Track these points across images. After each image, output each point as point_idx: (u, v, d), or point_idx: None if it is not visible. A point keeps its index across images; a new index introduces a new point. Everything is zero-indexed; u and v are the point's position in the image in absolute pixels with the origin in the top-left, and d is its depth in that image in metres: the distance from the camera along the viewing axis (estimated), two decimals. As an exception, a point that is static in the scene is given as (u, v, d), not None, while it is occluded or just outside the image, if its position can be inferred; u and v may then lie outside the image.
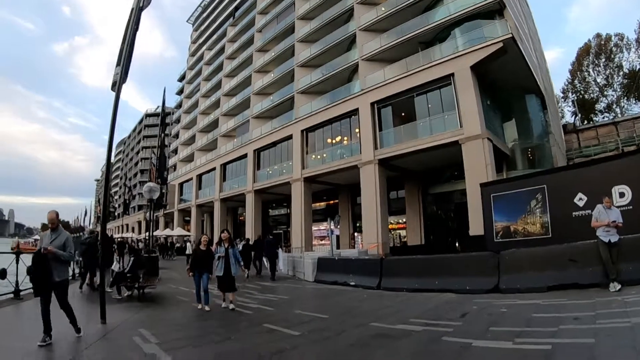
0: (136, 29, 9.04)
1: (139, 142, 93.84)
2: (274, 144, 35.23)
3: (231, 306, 9.31)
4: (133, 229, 74.03)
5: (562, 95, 51.64)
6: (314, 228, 31.56)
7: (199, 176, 49.01)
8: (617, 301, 7.02)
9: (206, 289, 9.40)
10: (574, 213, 12.18)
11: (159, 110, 25.60)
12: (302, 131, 31.18)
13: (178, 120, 66.28)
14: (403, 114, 24.91)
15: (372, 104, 25.43)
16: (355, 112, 26.84)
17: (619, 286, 7.92)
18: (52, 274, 6.11)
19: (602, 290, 8.04)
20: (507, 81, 23.63)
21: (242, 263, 10.22)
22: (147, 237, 20.01)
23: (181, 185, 54.94)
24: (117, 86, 8.53)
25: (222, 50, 52.62)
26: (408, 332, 6.46)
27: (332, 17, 31.97)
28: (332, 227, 22.27)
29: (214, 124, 49.66)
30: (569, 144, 35.69)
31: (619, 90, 47.38)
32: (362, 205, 25.43)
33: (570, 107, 50.38)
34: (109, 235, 17.56)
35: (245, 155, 38.68)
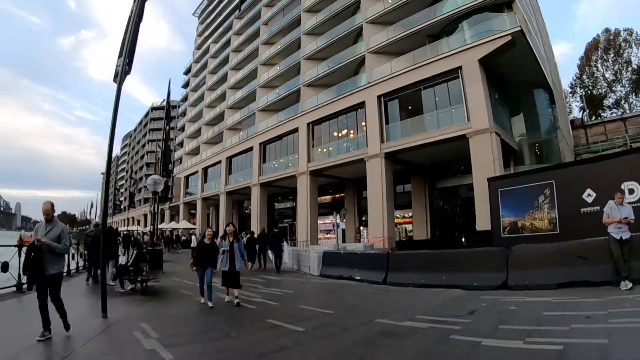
0: (139, 20, 8.90)
1: (145, 135, 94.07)
2: (279, 137, 35.12)
3: (236, 301, 9.10)
4: (139, 221, 74.30)
5: (570, 90, 51.13)
6: (319, 222, 31.50)
7: (205, 169, 49.06)
8: (629, 300, 6.88)
9: (209, 283, 9.21)
10: (582, 209, 12.06)
11: (165, 103, 25.56)
12: (308, 124, 31.04)
13: (184, 114, 66.27)
14: (410, 108, 24.70)
15: (379, 97, 25.24)
16: (361, 105, 26.66)
17: (630, 284, 7.76)
18: (46, 267, 5.93)
19: (613, 289, 7.89)
20: (515, 75, 23.37)
21: (245, 258, 10.06)
22: (152, 230, 19.96)
23: (187, 178, 54.99)
24: (119, 77, 8.42)
25: (227, 43, 52.41)
26: (415, 329, 6.33)
27: (339, 10, 31.70)
28: (337, 220, 22.12)
29: (220, 117, 49.61)
30: (577, 140, 35.36)
31: (627, 86, 46.77)
32: (368, 199, 25.37)
33: (578, 102, 49.85)
34: (114, 228, 17.55)
35: (251, 149, 38.61)
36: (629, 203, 9.38)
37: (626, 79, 46.59)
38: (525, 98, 25.53)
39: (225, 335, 6.58)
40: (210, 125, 52.22)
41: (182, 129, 65.23)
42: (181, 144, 63.25)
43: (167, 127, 24.71)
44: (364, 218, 30.59)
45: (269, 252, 19.88)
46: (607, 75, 48.18)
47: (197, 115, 58.68)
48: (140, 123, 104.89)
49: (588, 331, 5.36)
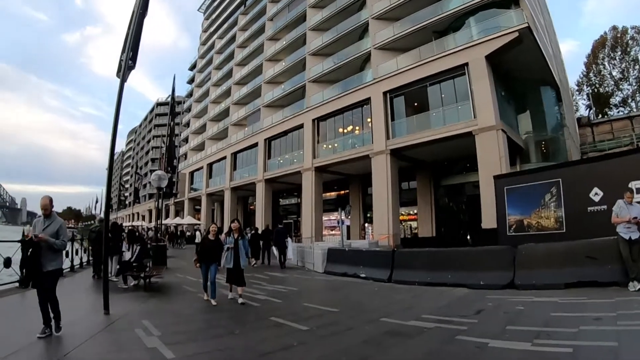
0: (143, 14, 8.82)
1: (150, 130, 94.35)
2: (285, 133, 35.10)
3: (240, 300, 8.97)
4: (143, 217, 74.56)
5: (576, 88, 50.85)
6: (324, 218, 31.52)
7: (210, 165, 49.11)
8: (637, 301, 6.76)
9: (213, 280, 9.07)
10: (589, 208, 11.90)
11: (170, 99, 25.58)
12: (313, 120, 31.01)
13: (189, 109, 66.38)
14: (416, 104, 24.61)
15: (385, 94, 25.14)
16: (367, 101, 26.57)
17: (639, 285, 7.65)
18: (43, 263, 5.80)
19: (622, 290, 7.79)
20: (521, 72, 23.20)
21: (249, 255, 9.92)
22: (156, 226, 19.99)
23: (192, 174, 55.13)
24: (122, 72, 8.36)
25: (233, 38, 52.30)
26: (420, 329, 6.25)
27: (344, 5, 31.58)
28: (342, 217, 22.08)
29: (225, 113, 49.57)
30: (583, 138, 35.12)
31: (634, 84, 46.50)
32: (373, 195, 25.32)
33: (584, 100, 49.62)
34: (119, 223, 17.52)
35: (256, 144, 38.64)
36: (637, 202, 9.29)
37: (633, 77, 46.34)
38: (532, 95, 25.39)
39: (228, 333, 6.50)
40: (216, 121, 52.24)
41: (187, 124, 65.31)
42: (186, 140, 63.35)
43: (172, 123, 24.69)
44: (368, 215, 30.59)
45: (273, 248, 19.84)
46: (614, 73, 47.95)
47: (202, 111, 58.69)
48: (145, 119, 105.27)
49: (597, 333, 5.25)
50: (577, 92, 50.63)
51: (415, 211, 28.58)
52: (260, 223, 31.52)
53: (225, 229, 9.82)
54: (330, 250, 16.81)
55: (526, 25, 19.43)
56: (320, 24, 33.85)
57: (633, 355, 4.49)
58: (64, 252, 6.86)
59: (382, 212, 23.91)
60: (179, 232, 40.54)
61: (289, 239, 20.05)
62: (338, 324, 6.90)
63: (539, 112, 25.42)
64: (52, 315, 5.89)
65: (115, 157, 9.24)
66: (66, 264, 14.41)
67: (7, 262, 9.30)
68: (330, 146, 30.03)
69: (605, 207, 11.14)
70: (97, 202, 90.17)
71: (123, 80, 8.37)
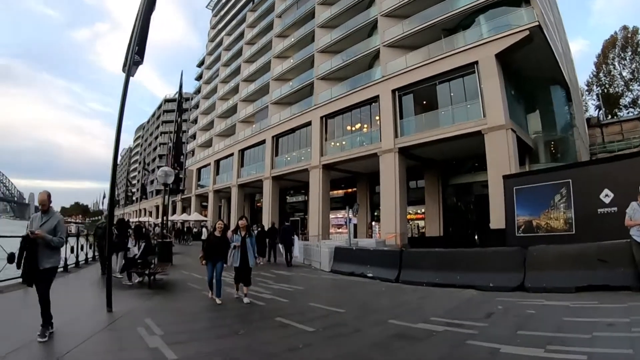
0: (150, 8, 8.75)
1: (157, 127, 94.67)
2: (292, 130, 35.05)
3: (246, 300, 8.85)
4: (150, 213, 74.83)
5: (586, 88, 50.38)
6: (331, 216, 31.45)
7: (217, 162, 49.19)
8: (651, 307, 6.63)
9: (219, 278, 8.96)
10: (599, 210, 11.78)
11: (177, 95, 25.57)
12: (321, 118, 30.93)
13: (197, 106, 66.44)
14: (424, 102, 24.46)
15: (393, 91, 24.98)
16: (375, 99, 26.43)
17: (652, 290, 7.53)
18: (40, 261, 5.63)
19: (634, 294, 7.63)
20: (531, 71, 22.96)
21: (256, 254, 9.75)
22: (162, 222, 19.98)
23: (199, 170, 55.23)
24: (127, 67, 8.32)
25: (241, 35, 52.26)
26: (429, 332, 6.13)
27: (353, 3, 31.39)
28: (350, 215, 21.96)
29: (233, 110, 49.61)
30: (592, 139, 34.82)
31: (645, 85, 45.99)
32: (381, 194, 25.21)
33: (594, 100, 49.19)
34: (126, 220, 17.51)
35: (263, 142, 38.61)
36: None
37: (644, 78, 45.77)
38: (542, 94, 25.12)
39: (232, 333, 6.41)
40: (223, 118, 52.32)
41: (195, 121, 65.41)
42: (194, 136, 63.47)
43: (179, 119, 24.66)
44: (376, 213, 30.48)
45: (280, 245, 19.78)
46: (624, 74, 47.41)
47: (210, 107, 58.79)
48: (153, 115, 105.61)
49: (611, 340, 5.14)
50: (587, 92, 50.21)
51: (423, 210, 28.41)
52: (267, 220, 31.53)
53: (232, 226, 9.57)
54: (337, 249, 16.70)
55: (537, 23, 19.23)
56: (328, 21, 33.70)
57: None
58: (62, 249, 6.70)
59: (390, 211, 23.79)
60: (185, 229, 40.60)
61: (295, 237, 19.98)
62: (345, 326, 6.81)
63: (548, 111, 25.15)
64: (41, 320, 5.61)
65: (122, 153, 9.22)
66: (71, 259, 14.46)
67: (12, 258, 9.25)
68: (338, 144, 29.93)
69: (615, 209, 11.00)
70: (104, 197, 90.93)
71: (128, 75, 8.31)
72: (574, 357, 4.55)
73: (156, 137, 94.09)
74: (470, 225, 25.18)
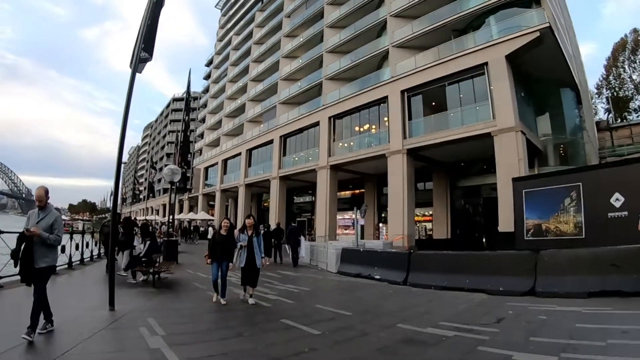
0: (159, 4, 8.67)
1: (165, 125, 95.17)
2: (300, 130, 35.02)
3: (251, 300, 8.71)
4: (157, 211, 75.17)
5: (595, 91, 49.89)
6: (338, 217, 31.34)
7: (225, 161, 49.26)
8: (666, 314, 6.49)
9: (224, 278, 8.75)
10: (609, 214, 11.66)
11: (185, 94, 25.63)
12: (329, 118, 30.87)
13: (205, 105, 66.65)
14: (434, 104, 24.31)
15: (402, 92, 24.87)
16: (384, 100, 26.34)
17: (666, 296, 7.38)
18: (35, 259, 5.44)
19: (648, 300, 7.49)
20: (541, 73, 22.76)
21: (263, 254, 9.54)
22: (169, 220, 20.01)
23: (206, 169, 55.34)
24: (134, 63, 8.27)
25: (250, 35, 52.35)
26: (439, 337, 5.98)
27: (363, 3, 31.37)
28: (357, 216, 21.85)
29: (241, 109, 49.69)
30: (602, 142, 34.41)
31: (655, 89, 45.49)
32: (389, 195, 25.10)
33: (603, 103, 48.66)
34: (132, 218, 17.52)
35: (271, 141, 38.60)
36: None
37: (654, 81, 45.29)
38: (552, 97, 24.85)
39: (236, 335, 6.28)
40: (231, 117, 52.45)
41: (203, 120, 65.63)
42: (202, 136, 63.67)
43: (187, 118, 24.69)
44: (383, 215, 30.38)
45: (286, 245, 19.73)
46: (634, 77, 46.82)
47: (218, 107, 58.93)
48: (161, 114, 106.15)
49: (626, 348, 5.00)
50: (597, 95, 49.73)
51: (431, 212, 28.29)
52: (273, 220, 31.49)
53: (239, 226, 9.34)
54: (345, 250, 16.62)
55: (547, 25, 19.05)
56: (337, 21, 33.68)
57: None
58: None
59: (397, 213, 23.68)
60: (192, 227, 40.65)
61: (302, 237, 19.92)
62: (352, 329, 6.64)
63: (558, 114, 24.89)
64: (30, 317, 5.33)
65: (130, 151, 9.15)
66: (76, 256, 14.47)
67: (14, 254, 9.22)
68: (346, 144, 29.85)
69: (626, 213, 10.88)
70: (112, 195, 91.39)
71: (134, 71, 8.27)
72: (589, 365, 4.42)
73: (164, 136, 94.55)
74: (478, 228, 25.04)
